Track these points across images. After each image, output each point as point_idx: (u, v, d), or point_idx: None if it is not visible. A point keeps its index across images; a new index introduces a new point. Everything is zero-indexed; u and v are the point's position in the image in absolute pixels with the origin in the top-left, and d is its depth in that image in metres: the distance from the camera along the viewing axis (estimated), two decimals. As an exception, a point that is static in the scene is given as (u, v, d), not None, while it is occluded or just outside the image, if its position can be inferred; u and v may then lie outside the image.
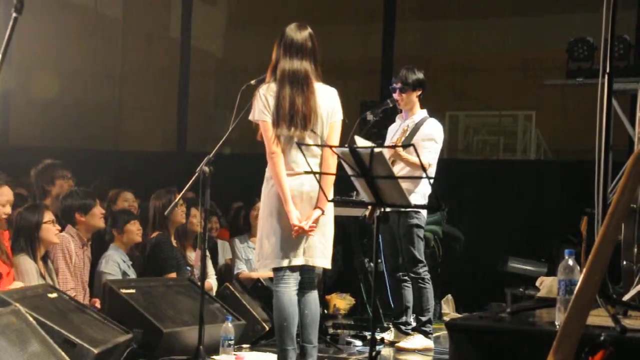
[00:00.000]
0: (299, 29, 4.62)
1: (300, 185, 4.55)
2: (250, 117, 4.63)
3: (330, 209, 4.70)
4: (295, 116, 4.51)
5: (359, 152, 3.71)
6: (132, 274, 6.11)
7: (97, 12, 12.23)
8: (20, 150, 9.58)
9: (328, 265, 4.73)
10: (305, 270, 4.66)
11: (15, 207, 5.46)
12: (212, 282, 6.77)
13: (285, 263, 4.56)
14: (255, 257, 4.82)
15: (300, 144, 4.36)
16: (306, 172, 4.41)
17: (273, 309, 4.65)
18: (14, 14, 2.76)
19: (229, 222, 8.06)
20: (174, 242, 6.57)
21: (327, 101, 4.63)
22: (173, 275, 6.32)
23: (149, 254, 6.35)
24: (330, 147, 4.24)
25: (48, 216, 5.44)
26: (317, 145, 4.49)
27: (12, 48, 2.79)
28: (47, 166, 6.56)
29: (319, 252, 4.63)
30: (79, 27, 11.52)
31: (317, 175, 4.46)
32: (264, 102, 4.54)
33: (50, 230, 5.41)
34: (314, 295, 4.69)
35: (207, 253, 6.79)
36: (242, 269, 7.26)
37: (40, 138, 10.82)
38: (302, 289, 4.66)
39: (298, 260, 4.58)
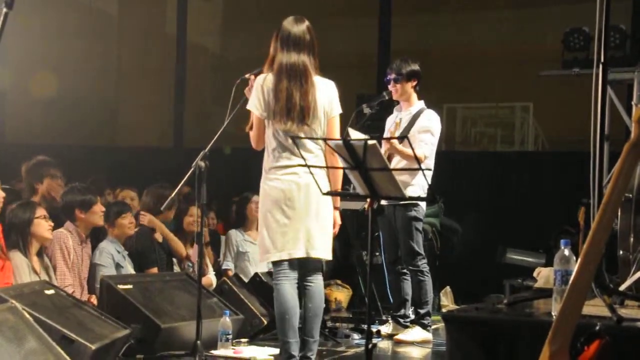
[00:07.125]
0: (296, 22, 4.60)
1: (297, 177, 4.52)
2: (247, 106, 4.63)
3: (329, 201, 4.67)
4: (292, 110, 4.49)
5: (352, 144, 3.68)
6: (128, 264, 6.08)
7: (93, 9, 12.21)
8: (16, 148, 9.56)
9: (329, 257, 4.69)
10: (308, 262, 4.62)
11: (10, 204, 5.42)
12: (211, 277, 6.74)
13: (285, 256, 4.54)
14: (259, 251, 4.76)
15: (294, 137, 4.33)
16: (299, 165, 4.39)
17: (274, 302, 4.61)
18: (5, 9, 2.76)
19: (225, 216, 8.01)
20: (159, 238, 6.51)
21: (326, 95, 4.62)
22: (154, 270, 6.27)
23: (130, 248, 6.30)
24: (324, 139, 4.22)
25: (40, 212, 5.40)
26: (311, 138, 4.47)
27: (8, 46, 2.79)
28: (37, 163, 6.46)
29: (320, 243, 4.59)
30: (74, 24, 11.50)
31: (326, 170, 4.48)
32: (260, 94, 4.54)
33: (42, 225, 5.37)
34: (318, 288, 4.64)
35: (207, 248, 6.75)
36: (229, 267, 7.20)
37: (37, 135, 10.80)
38: (306, 281, 4.63)
39: (299, 253, 4.55)
